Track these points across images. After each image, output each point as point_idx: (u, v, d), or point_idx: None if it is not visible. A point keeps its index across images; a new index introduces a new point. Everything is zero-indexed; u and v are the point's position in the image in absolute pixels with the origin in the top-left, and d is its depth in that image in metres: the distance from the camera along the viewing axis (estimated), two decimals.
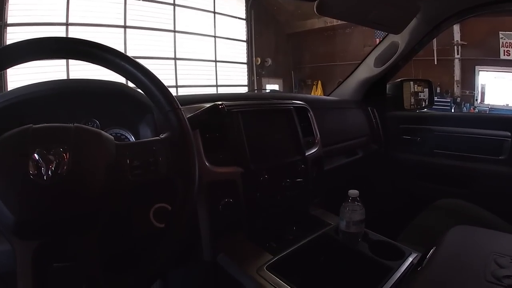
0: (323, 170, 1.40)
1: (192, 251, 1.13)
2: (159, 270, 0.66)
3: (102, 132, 0.69)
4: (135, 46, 7.62)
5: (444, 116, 2.22)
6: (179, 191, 0.70)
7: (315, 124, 1.39)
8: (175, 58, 8.54)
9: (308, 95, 1.76)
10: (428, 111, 2.44)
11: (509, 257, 0.82)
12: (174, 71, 8.51)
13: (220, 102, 0.93)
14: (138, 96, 0.99)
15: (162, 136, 0.74)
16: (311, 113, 1.40)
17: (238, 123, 1.11)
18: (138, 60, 0.74)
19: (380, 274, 0.95)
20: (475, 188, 1.83)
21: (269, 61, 10.23)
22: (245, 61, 10.30)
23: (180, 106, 0.75)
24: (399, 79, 2.33)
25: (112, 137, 0.70)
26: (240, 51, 10.17)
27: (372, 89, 2.15)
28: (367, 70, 2.08)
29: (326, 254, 1.12)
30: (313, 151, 1.33)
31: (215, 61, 9.46)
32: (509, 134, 1.71)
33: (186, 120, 0.75)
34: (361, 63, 2.12)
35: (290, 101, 1.35)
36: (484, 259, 0.82)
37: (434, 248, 0.90)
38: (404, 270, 0.97)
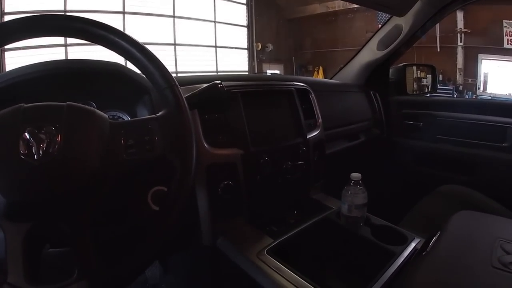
0: (325, 153, 1.37)
1: (192, 235, 1.11)
2: (154, 254, 0.64)
3: (96, 110, 0.67)
4: (134, 32, 7.48)
5: (447, 101, 2.20)
6: (175, 172, 0.68)
7: (317, 107, 1.37)
8: (174, 44, 8.49)
9: (310, 78, 1.74)
10: (431, 96, 2.41)
11: None
12: (174, 57, 8.46)
13: (219, 81, 0.90)
14: (135, 76, 0.97)
15: (158, 114, 0.72)
16: (313, 95, 1.37)
17: (238, 104, 1.08)
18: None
19: (382, 259, 0.93)
20: (478, 174, 1.81)
21: (270, 47, 10.15)
22: (246, 47, 10.23)
23: (177, 83, 0.73)
24: (402, 64, 2.30)
25: (107, 116, 0.68)
26: (240, 37, 10.10)
27: (375, 73, 2.11)
28: (370, 53, 2.04)
29: (328, 238, 1.10)
30: (314, 134, 1.31)
31: (215, 46, 9.40)
32: None
33: (183, 98, 0.73)
34: (364, 46, 2.08)
35: (291, 83, 1.32)
36: (489, 245, 0.80)
37: (438, 233, 0.88)
38: (408, 255, 0.95)
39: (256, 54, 10.03)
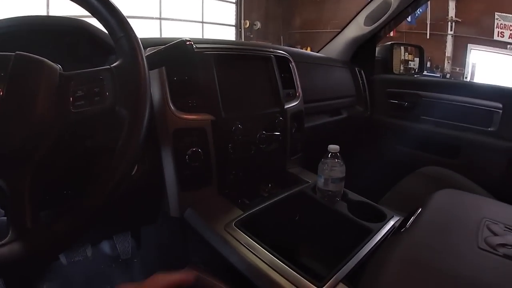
0: (303, 126, 1.31)
1: (159, 206, 1.06)
2: (93, 217, 0.57)
3: (45, 60, 0.61)
4: (117, 5, 7.28)
5: (434, 82, 2.15)
6: (124, 126, 0.62)
7: (297, 77, 1.30)
8: (160, 18, 8.26)
9: (292, 48, 1.65)
10: (417, 76, 2.37)
11: (502, 224, 0.75)
12: (159, 32, 8.23)
13: (188, 38, 0.82)
14: (100, 34, 0.89)
15: (113, 64, 0.66)
16: (293, 64, 1.30)
17: (211, 66, 1.01)
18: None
19: (359, 236, 0.88)
20: (462, 158, 1.78)
21: (258, 25, 9.94)
22: (233, 24, 10.02)
23: (135, 33, 0.67)
24: (389, 42, 2.25)
25: (57, 67, 0.62)
26: (228, 13, 9.88)
27: (361, 50, 2.05)
28: (357, 28, 1.97)
29: (302, 213, 1.05)
30: (293, 104, 1.24)
31: (202, 22, 9.20)
32: (501, 105, 1.64)
33: (141, 47, 0.67)
34: (351, 20, 2.01)
35: (270, 49, 1.24)
36: (475, 225, 0.74)
37: (419, 210, 0.82)
38: (386, 233, 0.91)
39: (243, 32, 9.83)
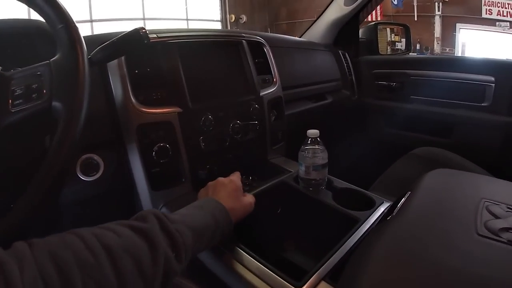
0: (283, 113, 1.24)
1: (134, 208, 1.00)
2: (24, 219, 0.51)
3: None
4: (100, 7, 7.20)
5: (422, 59, 2.09)
6: (59, 122, 0.56)
7: (273, 62, 1.22)
8: (144, 19, 8.16)
9: (268, 33, 1.57)
10: (404, 55, 2.30)
11: (504, 205, 0.63)
12: None
13: (142, 27, 0.75)
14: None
15: (52, 59, 0.62)
16: (268, 48, 1.22)
17: (175, 56, 0.94)
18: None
19: (344, 226, 0.81)
20: (456, 136, 1.74)
21: (244, 18, 9.80)
22: (219, 19, 9.90)
23: (74, 23, 0.62)
24: (373, 22, 2.18)
25: None
26: (213, 8, 9.75)
27: (344, 32, 1.99)
28: (337, 9, 1.90)
29: (284, 204, 0.98)
30: (270, 91, 1.17)
31: (187, 19, 9.08)
32: (493, 79, 1.58)
33: (80, 37, 0.62)
34: (331, 2, 1.92)
35: (241, 34, 1.17)
36: (472, 207, 0.63)
37: (408, 193, 0.73)
38: (374, 222, 0.83)
39: (229, 27, 9.70)
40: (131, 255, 0.47)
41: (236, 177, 0.89)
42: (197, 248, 0.63)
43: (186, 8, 9.01)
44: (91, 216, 0.94)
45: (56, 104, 0.58)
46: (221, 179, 0.85)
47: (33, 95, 0.58)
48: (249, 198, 0.83)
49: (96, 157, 0.86)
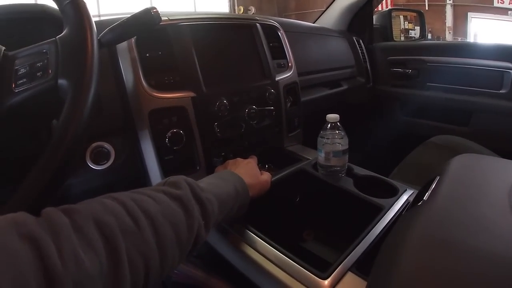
0: (299, 99, 1.19)
1: None
2: (38, 198, 0.47)
3: None
4: (108, 2, 7.27)
5: (438, 45, 2.03)
6: (66, 99, 0.52)
7: (288, 46, 1.18)
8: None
9: (282, 18, 1.51)
10: (419, 41, 2.25)
11: None
12: None
13: (153, 6, 0.71)
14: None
15: (58, 36, 0.59)
16: (282, 32, 1.17)
17: (188, 39, 0.89)
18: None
19: (368, 214, 0.77)
20: (474, 124, 1.69)
21: (253, 10, 9.72)
22: (227, 11, 9.76)
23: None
24: (387, 9, 2.13)
25: (2, 47, 0.56)
26: (221, 0, 9.66)
27: (358, 18, 1.95)
28: None
29: (303, 193, 0.95)
30: (285, 76, 1.12)
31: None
32: (511, 65, 1.54)
33: (88, 13, 0.59)
34: None
35: (255, 18, 1.12)
36: (505, 190, 0.58)
37: (437, 178, 0.69)
38: (399, 210, 0.79)
39: None
40: (170, 222, 0.46)
41: (253, 159, 0.91)
42: (218, 217, 0.62)
43: (194, 1, 8.94)
44: None
45: (62, 81, 0.54)
46: (240, 158, 0.88)
47: (38, 74, 0.55)
48: (266, 176, 0.83)
49: (106, 145, 0.82)
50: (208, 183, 0.65)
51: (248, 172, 0.79)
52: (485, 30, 8.05)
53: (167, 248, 0.44)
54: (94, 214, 0.39)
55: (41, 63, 0.55)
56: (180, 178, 0.56)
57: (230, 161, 0.86)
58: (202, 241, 0.53)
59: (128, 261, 0.38)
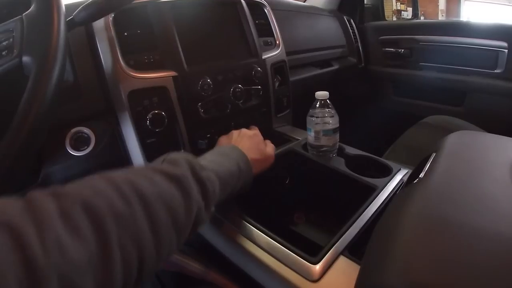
0: (288, 78, 1.15)
1: None
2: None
3: None
4: None
5: (431, 24, 1.98)
6: (30, 77, 0.49)
7: (275, 23, 1.13)
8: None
9: None
10: (412, 20, 2.21)
11: None
12: None
13: None
14: None
15: (24, 13, 0.57)
16: (269, 9, 1.13)
17: (168, 16, 0.85)
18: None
19: (361, 195, 0.74)
20: (467, 104, 1.68)
21: None
22: None
23: None
24: None
25: None
26: None
27: None
28: None
29: (292, 174, 0.91)
30: (273, 54, 1.08)
31: None
32: (506, 44, 1.51)
33: None
34: None
35: None
36: (505, 167, 0.55)
37: (433, 155, 0.65)
38: (393, 189, 0.76)
39: None
40: (167, 206, 0.43)
41: (258, 131, 0.86)
42: (220, 197, 0.58)
43: None
44: None
45: (26, 59, 0.51)
46: (245, 129, 0.85)
47: (3, 52, 0.53)
48: (270, 149, 0.81)
49: (86, 129, 0.78)
50: (209, 161, 0.61)
51: (253, 146, 0.76)
52: (478, 14, 8.02)
53: (163, 233, 0.41)
54: (84, 197, 0.35)
55: (6, 42, 0.54)
56: (180, 156, 0.53)
57: (235, 132, 0.82)
58: (203, 223, 0.51)
59: (119, 248, 0.35)
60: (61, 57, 0.51)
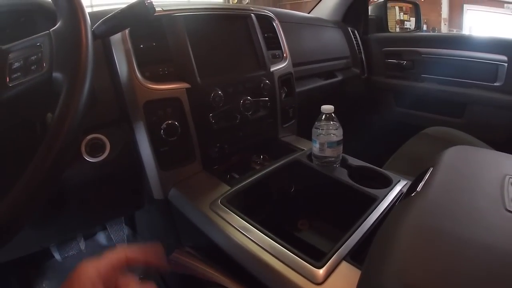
0: (294, 90, 1.19)
1: (143, 189, 0.96)
2: (34, 196, 0.46)
3: None
4: None
5: (433, 37, 2.02)
6: (61, 93, 0.51)
7: (283, 36, 1.18)
8: None
9: (275, 8, 1.50)
10: (415, 32, 2.25)
11: None
12: None
13: None
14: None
15: (52, 29, 0.58)
16: (277, 22, 1.17)
17: (181, 29, 0.89)
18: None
19: (362, 205, 0.78)
20: (467, 116, 1.70)
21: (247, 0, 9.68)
22: (221, 1, 9.70)
23: None
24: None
25: None
26: None
27: (353, 8, 1.94)
28: None
29: (297, 183, 0.95)
30: (280, 66, 1.12)
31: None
32: (505, 58, 1.54)
33: (82, 5, 0.58)
34: None
35: (249, 9, 1.12)
36: (498, 183, 0.60)
37: (430, 169, 0.69)
38: (393, 200, 0.80)
39: None
40: None
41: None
42: None
43: None
44: (98, 198, 0.92)
45: (57, 75, 0.53)
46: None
47: (32, 67, 0.54)
48: None
49: (102, 137, 0.82)
50: None
51: None
52: (480, 23, 8.04)
53: None
54: None
55: (35, 57, 0.55)
56: None
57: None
58: None
59: None
60: (90, 73, 0.54)
